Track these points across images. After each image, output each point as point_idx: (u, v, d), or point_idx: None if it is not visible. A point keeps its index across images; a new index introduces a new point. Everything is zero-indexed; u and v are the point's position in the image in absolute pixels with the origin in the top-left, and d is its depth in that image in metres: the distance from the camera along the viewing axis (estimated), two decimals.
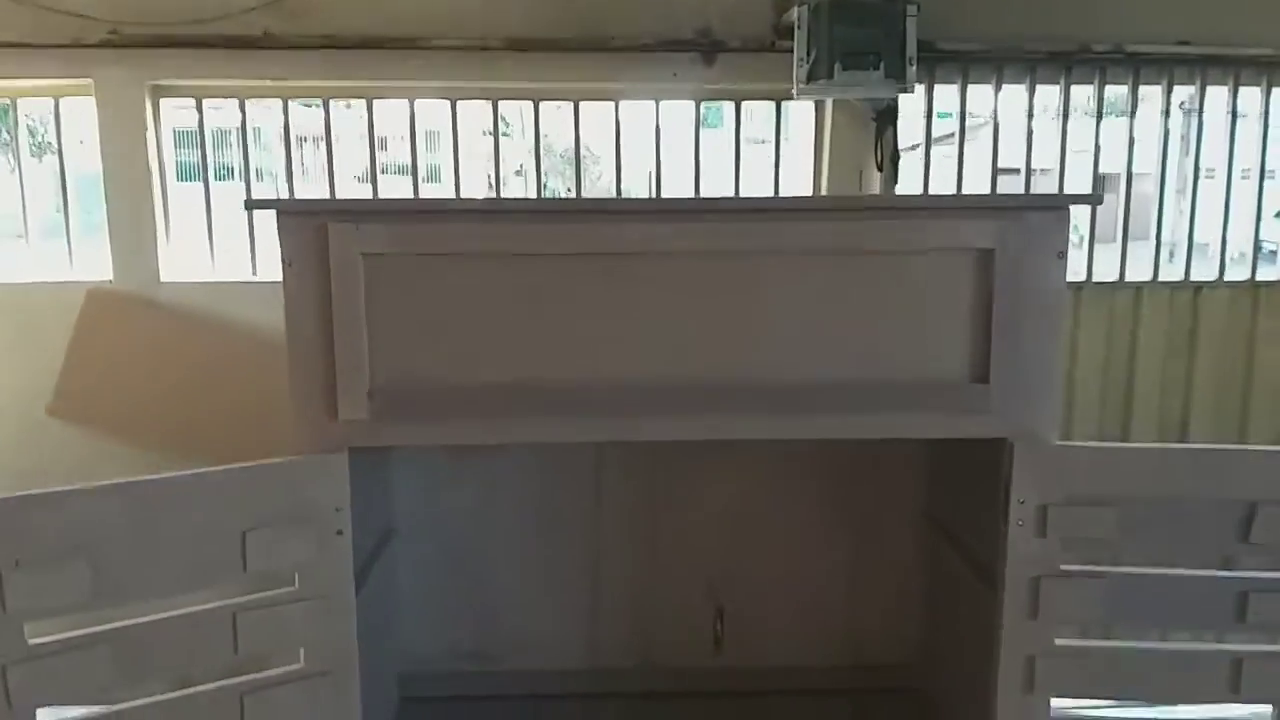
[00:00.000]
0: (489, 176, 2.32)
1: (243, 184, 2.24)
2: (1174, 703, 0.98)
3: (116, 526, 0.81)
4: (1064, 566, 0.95)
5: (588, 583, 1.34)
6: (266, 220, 1.22)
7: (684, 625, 1.36)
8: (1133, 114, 2.21)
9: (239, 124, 2.19)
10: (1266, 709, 0.93)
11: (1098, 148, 2.19)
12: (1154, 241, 2.25)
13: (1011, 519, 0.94)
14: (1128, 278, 2.22)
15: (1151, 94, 2.20)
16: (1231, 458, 0.93)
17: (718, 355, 0.99)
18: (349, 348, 0.94)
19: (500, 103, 2.21)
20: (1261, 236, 2.28)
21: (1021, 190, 2.13)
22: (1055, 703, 0.95)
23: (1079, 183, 2.11)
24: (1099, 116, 2.21)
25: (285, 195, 2.26)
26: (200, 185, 2.16)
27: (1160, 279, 2.23)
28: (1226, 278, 2.26)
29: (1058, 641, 0.94)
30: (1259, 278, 2.25)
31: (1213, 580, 0.95)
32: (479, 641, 1.34)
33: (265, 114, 2.29)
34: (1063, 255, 0.95)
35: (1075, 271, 2.13)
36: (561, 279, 0.99)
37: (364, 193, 2.33)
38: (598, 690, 1.35)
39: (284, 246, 0.96)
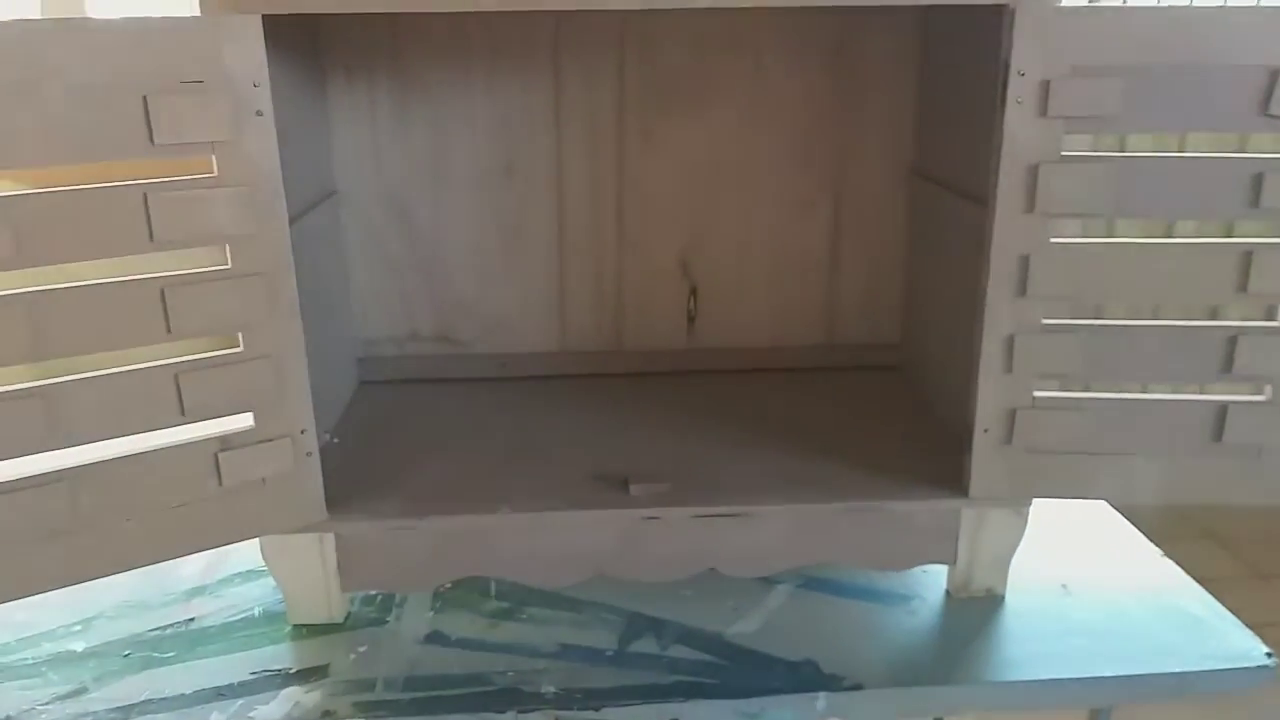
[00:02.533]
0: None
1: None
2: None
3: None
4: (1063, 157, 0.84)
5: (554, 257, 1.24)
6: None
7: (655, 303, 1.27)
8: None
9: None
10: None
11: None
12: None
13: (1010, 97, 0.83)
14: None
15: None
16: (1254, 15, 0.81)
17: None
18: None
19: None
20: None
21: None
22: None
23: None
24: None
25: None
26: None
27: None
28: None
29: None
30: None
31: (1227, 162, 0.85)
32: (440, 323, 1.25)
33: None
34: None
35: None
36: None
37: None
38: (569, 371, 1.27)
39: None
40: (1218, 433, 0.91)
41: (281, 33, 0.90)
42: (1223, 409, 0.91)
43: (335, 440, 1.08)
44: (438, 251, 1.23)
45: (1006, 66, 0.84)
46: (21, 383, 0.78)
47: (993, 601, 1.00)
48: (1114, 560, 1.07)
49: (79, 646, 0.94)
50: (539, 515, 0.93)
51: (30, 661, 0.92)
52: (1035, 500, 0.97)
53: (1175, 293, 0.88)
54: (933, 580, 1.02)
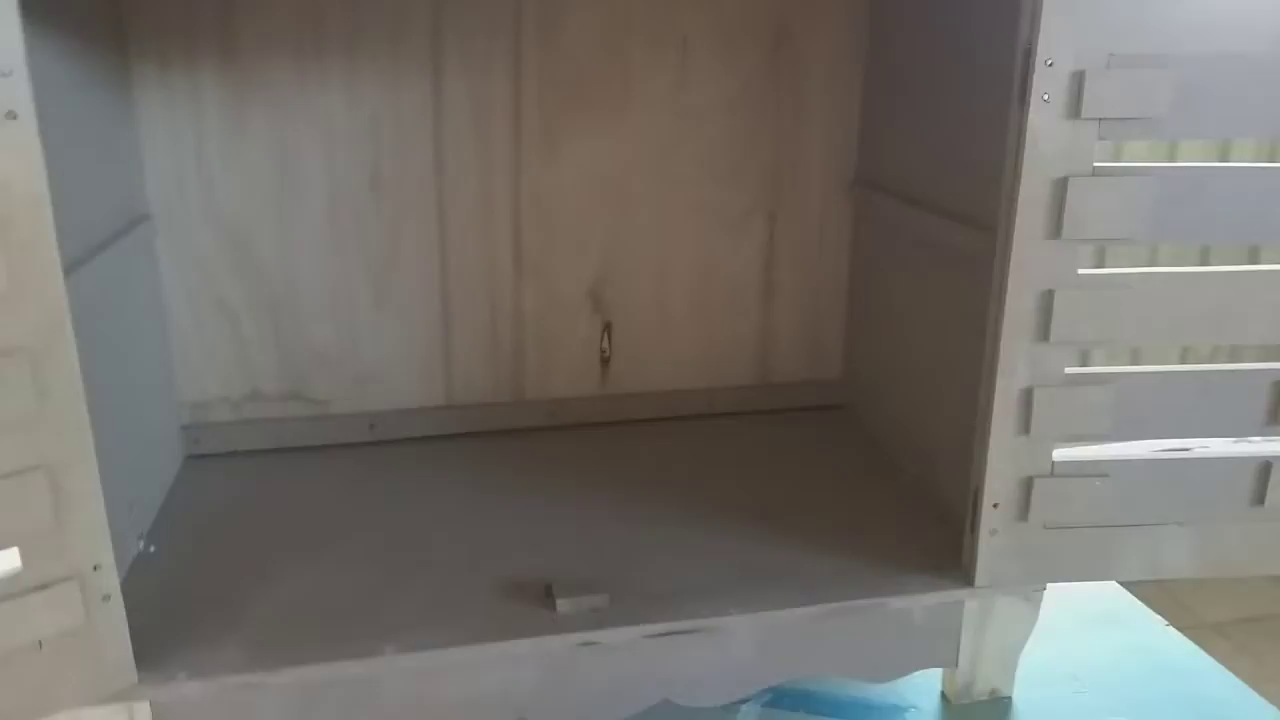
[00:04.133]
0: None
1: None
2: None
3: None
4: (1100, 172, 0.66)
5: (434, 290, 0.98)
6: None
7: (561, 343, 1.04)
8: None
9: None
10: None
11: None
12: None
13: (1033, 93, 0.64)
14: None
15: None
16: None
17: None
18: None
19: None
20: None
21: None
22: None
23: None
24: None
25: None
26: None
27: None
28: None
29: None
30: None
31: None
32: (290, 377, 0.98)
33: None
34: None
35: None
36: None
37: None
38: (457, 429, 1.02)
39: None
40: (1259, 494, 0.76)
41: (58, 6, 0.63)
42: (1265, 466, 0.75)
43: (152, 550, 0.80)
44: (286, 288, 0.96)
45: (1028, 55, 0.65)
46: None
47: (999, 706, 0.81)
48: (1122, 639, 0.91)
49: None
50: (437, 653, 0.69)
51: None
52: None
53: (1225, 331, 0.72)
54: (928, 685, 0.83)
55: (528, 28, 0.93)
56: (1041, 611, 0.80)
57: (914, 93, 0.91)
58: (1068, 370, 0.72)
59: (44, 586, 0.60)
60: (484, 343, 1.01)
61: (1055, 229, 0.68)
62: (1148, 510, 0.76)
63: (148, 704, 0.66)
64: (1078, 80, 0.65)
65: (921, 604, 0.77)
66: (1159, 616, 0.95)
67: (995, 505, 0.74)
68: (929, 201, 0.87)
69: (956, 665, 0.80)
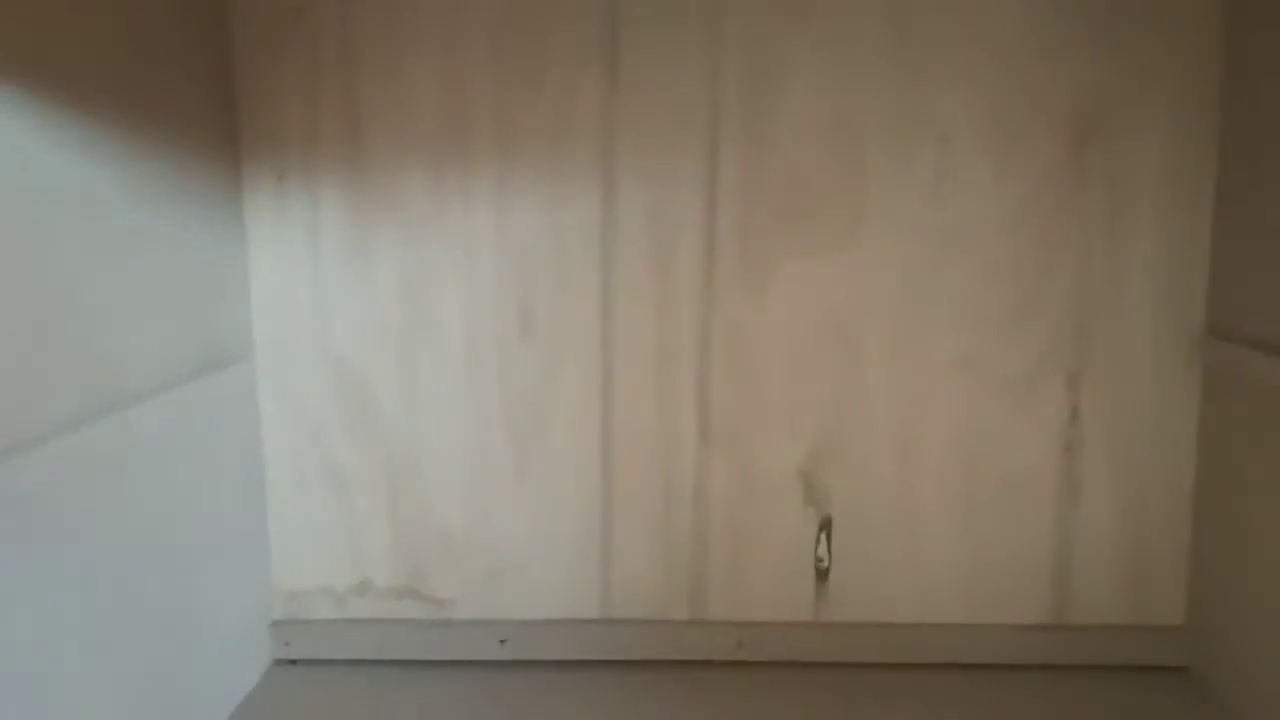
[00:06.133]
0: None
1: None
2: None
3: None
4: None
5: (594, 464, 0.73)
6: None
7: (760, 544, 0.74)
8: None
9: None
10: None
11: None
12: None
13: None
14: None
15: None
16: None
17: None
18: None
19: None
20: None
21: None
22: None
23: None
24: None
25: None
26: None
27: None
28: None
29: None
30: None
31: None
32: (408, 568, 0.74)
33: None
34: None
35: None
36: None
37: None
38: (616, 655, 0.74)
39: None
40: None
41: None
42: None
43: None
44: (408, 451, 0.73)
45: None
46: None
47: None
48: None
49: None
50: None
51: None
52: None
53: None
54: None
55: (728, 119, 0.69)
56: None
57: None
58: None
59: None
60: (655, 536, 0.73)
61: None
62: None
63: None
64: None
65: None
66: None
67: None
68: None
69: None
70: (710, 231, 0.70)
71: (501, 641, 0.74)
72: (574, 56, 0.68)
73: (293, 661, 0.75)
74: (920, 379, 0.71)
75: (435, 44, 0.68)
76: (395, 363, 0.72)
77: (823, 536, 0.73)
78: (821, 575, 0.73)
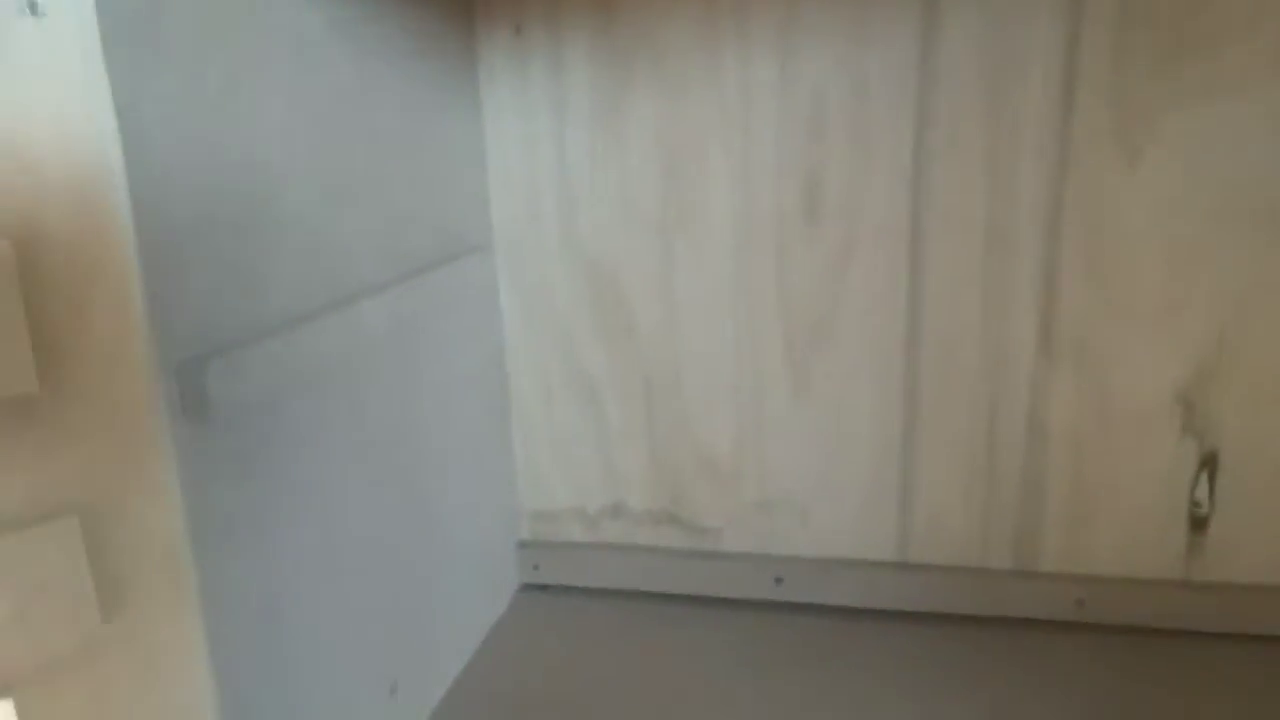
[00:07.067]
0: None
1: None
2: None
3: None
4: None
5: (893, 359, 0.58)
6: None
7: (1117, 485, 0.57)
8: None
9: None
10: None
11: None
12: None
13: None
14: None
15: None
16: None
17: None
18: None
19: None
20: None
21: None
22: None
23: None
24: None
25: None
26: None
27: None
28: None
29: None
30: None
31: None
32: (670, 489, 0.63)
33: None
34: None
35: None
36: None
37: None
38: (917, 607, 0.60)
39: None
40: None
41: None
42: None
43: None
44: (668, 359, 0.61)
45: None
46: None
47: None
48: None
49: None
50: None
51: None
52: None
53: None
54: None
55: None
56: None
57: None
58: None
59: None
60: (973, 468, 0.58)
61: None
62: None
63: None
64: None
65: None
66: None
67: None
68: None
69: None
70: (1069, 73, 0.51)
71: (777, 580, 0.62)
72: None
73: (543, 587, 0.66)
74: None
75: None
76: (653, 253, 0.59)
77: (1204, 476, 0.55)
78: (1198, 524, 0.56)
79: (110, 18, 0.30)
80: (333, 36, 0.42)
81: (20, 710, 0.27)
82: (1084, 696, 0.51)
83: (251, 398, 0.36)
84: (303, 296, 0.40)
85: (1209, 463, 0.55)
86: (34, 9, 0.26)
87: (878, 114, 0.54)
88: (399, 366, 0.49)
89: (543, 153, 0.59)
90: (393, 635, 0.49)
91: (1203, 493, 0.55)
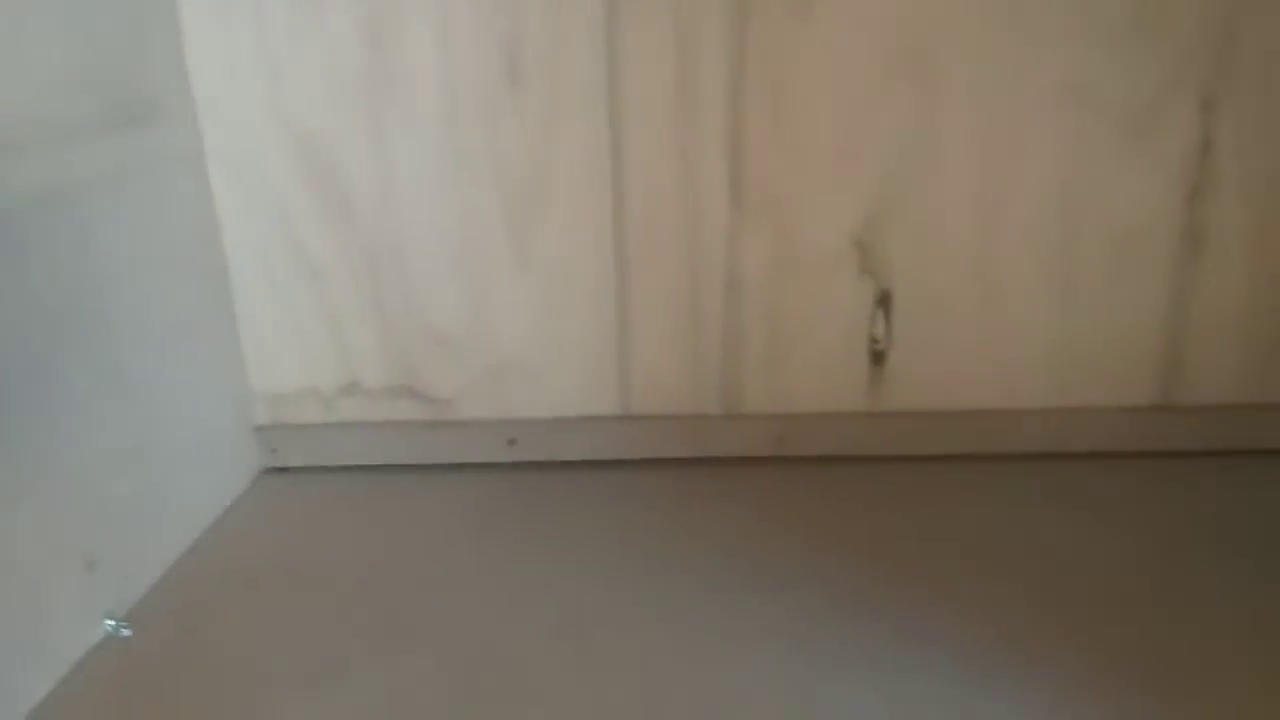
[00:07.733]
0: None
1: None
2: None
3: None
4: None
5: (604, 223, 0.60)
6: None
7: (804, 324, 0.61)
8: None
9: None
10: None
11: None
12: None
13: None
14: None
15: None
16: None
17: None
18: None
19: None
20: None
21: None
22: None
23: None
24: None
25: None
26: None
27: None
28: None
29: None
30: None
31: None
32: (401, 365, 0.64)
33: None
34: None
35: None
36: None
37: None
38: (636, 454, 0.64)
39: None
40: None
41: None
42: None
43: (125, 633, 0.49)
44: (389, 233, 0.61)
45: None
46: None
47: None
48: None
49: None
50: None
51: None
52: None
53: None
54: None
55: None
56: None
57: None
58: None
59: None
60: (680, 321, 0.61)
61: None
62: None
63: None
64: None
65: None
66: None
67: None
68: None
69: None
70: None
71: (510, 442, 0.64)
72: None
73: (284, 470, 0.66)
74: (1013, 114, 0.55)
75: None
76: (363, 126, 0.59)
77: (880, 313, 0.60)
78: (877, 358, 0.61)
79: None
80: None
81: None
82: (786, 519, 0.56)
83: None
84: None
85: (884, 301, 0.60)
86: None
87: None
88: (67, 237, 0.47)
89: (238, 23, 0.57)
90: (95, 514, 0.48)
91: (880, 329, 0.60)
